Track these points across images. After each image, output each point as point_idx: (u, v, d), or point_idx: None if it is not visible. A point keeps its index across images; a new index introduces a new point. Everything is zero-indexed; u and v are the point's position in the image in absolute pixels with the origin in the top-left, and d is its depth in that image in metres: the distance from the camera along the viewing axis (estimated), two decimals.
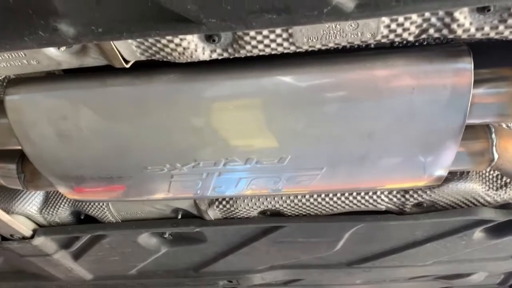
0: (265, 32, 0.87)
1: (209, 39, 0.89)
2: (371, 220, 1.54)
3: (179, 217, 1.63)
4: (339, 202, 1.49)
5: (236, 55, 0.93)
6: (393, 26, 0.86)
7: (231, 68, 1.00)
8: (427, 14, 0.84)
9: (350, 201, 1.49)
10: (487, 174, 1.42)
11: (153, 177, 1.21)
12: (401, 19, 0.84)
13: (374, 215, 1.55)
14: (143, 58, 0.94)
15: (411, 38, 0.89)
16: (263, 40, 0.89)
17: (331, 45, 0.90)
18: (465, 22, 0.84)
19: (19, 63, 0.95)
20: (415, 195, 1.45)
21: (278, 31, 0.87)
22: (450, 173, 1.27)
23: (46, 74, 1.11)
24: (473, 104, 1.00)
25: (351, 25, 0.85)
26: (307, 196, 1.49)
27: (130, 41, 0.89)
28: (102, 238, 1.77)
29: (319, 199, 1.50)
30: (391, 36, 0.88)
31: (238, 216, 1.59)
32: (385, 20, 0.84)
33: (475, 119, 1.07)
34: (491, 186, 1.44)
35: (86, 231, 1.72)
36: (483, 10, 0.82)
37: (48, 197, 1.66)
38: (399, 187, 1.37)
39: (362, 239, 1.69)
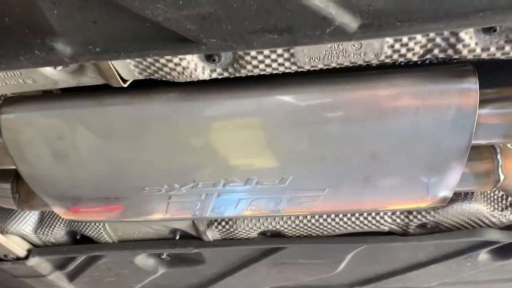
0: (266, 52, 0.85)
1: (209, 58, 0.88)
2: (374, 241, 1.51)
3: (177, 237, 1.60)
4: (341, 223, 1.46)
5: (237, 75, 0.92)
6: (397, 46, 0.84)
7: (231, 87, 0.99)
8: (432, 34, 0.83)
9: (353, 222, 1.46)
10: (492, 194, 1.40)
11: (150, 198, 1.18)
12: (405, 39, 0.83)
13: (377, 236, 1.51)
14: (141, 77, 0.93)
15: (415, 58, 0.87)
16: (264, 60, 0.87)
17: (333, 65, 0.89)
18: (471, 43, 0.83)
19: (15, 82, 0.94)
20: (419, 216, 1.42)
21: (280, 51, 0.85)
22: (454, 193, 1.24)
23: (43, 92, 1.09)
24: (479, 124, 0.98)
25: (354, 45, 0.84)
26: (308, 217, 1.46)
27: (128, 60, 0.87)
28: (98, 258, 1.73)
29: (321, 220, 1.46)
30: (395, 56, 0.86)
31: (238, 237, 1.56)
32: (389, 40, 0.83)
33: (480, 140, 1.05)
34: (496, 206, 1.41)
35: (82, 252, 1.68)
36: (489, 30, 0.81)
37: (43, 217, 1.63)
38: (403, 208, 1.34)
39: (364, 260, 1.65)
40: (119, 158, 1.07)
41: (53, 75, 0.92)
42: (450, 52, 0.85)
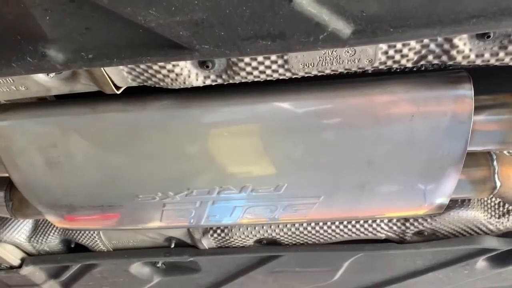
0: (260, 58, 0.85)
1: (202, 65, 0.87)
2: (371, 249, 1.50)
3: (172, 246, 1.58)
4: (337, 230, 1.45)
5: (231, 81, 0.91)
6: (391, 52, 0.84)
7: (226, 94, 0.98)
8: (425, 41, 0.82)
9: (349, 230, 1.45)
10: (489, 201, 1.39)
11: (144, 205, 1.17)
12: (399, 45, 0.83)
13: (374, 243, 1.50)
14: (134, 84, 0.92)
15: (409, 65, 0.87)
16: (258, 66, 0.87)
17: (327, 71, 0.88)
18: (465, 49, 0.83)
19: (7, 89, 0.93)
20: (416, 223, 1.41)
21: (273, 57, 0.85)
22: (451, 200, 1.23)
23: (37, 99, 1.09)
24: (474, 131, 0.98)
25: (348, 52, 0.83)
26: (304, 225, 1.45)
27: (121, 67, 0.87)
28: (93, 267, 1.71)
29: (317, 228, 1.45)
30: (389, 62, 0.86)
31: (233, 245, 1.55)
32: (383, 46, 0.83)
33: (476, 147, 1.05)
34: (493, 213, 1.40)
35: (76, 260, 1.67)
36: (483, 36, 0.81)
37: (37, 225, 1.61)
38: (399, 215, 1.33)
39: (361, 268, 1.64)
40: (113, 166, 1.06)
41: (45, 82, 0.91)
42: (444, 58, 0.85)
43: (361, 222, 1.42)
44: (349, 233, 1.45)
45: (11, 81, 0.91)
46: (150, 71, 0.87)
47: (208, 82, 0.91)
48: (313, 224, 1.44)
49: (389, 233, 1.46)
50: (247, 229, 1.47)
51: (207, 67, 0.87)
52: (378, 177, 1.07)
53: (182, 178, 1.09)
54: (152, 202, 1.16)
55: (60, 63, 0.75)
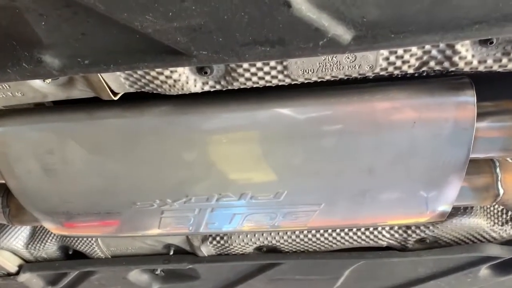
0: (259, 64, 0.84)
1: (200, 71, 0.86)
2: (372, 257, 1.48)
3: (171, 253, 1.57)
4: (338, 238, 1.43)
5: (229, 88, 0.90)
6: (392, 58, 0.83)
7: (225, 100, 0.97)
8: (427, 47, 0.81)
9: (350, 237, 1.43)
10: (492, 209, 1.37)
11: (142, 213, 1.15)
12: (400, 51, 0.81)
13: (375, 251, 1.48)
14: (132, 90, 0.91)
15: (411, 71, 0.86)
16: (257, 72, 0.85)
17: (327, 78, 0.87)
18: (467, 55, 0.81)
19: (3, 95, 0.92)
20: (418, 231, 1.39)
21: (273, 63, 0.84)
22: (453, 208, 1.22)
23: (34, 105, 1.08)
24: (477, 138, 0.97)
25: (348, 58, 0.82)
26: (305, 232, 1.43)
27: (118, 73, 0.86)
28: (91, 274, 1.69)
29: (318, 235, 1.44)
30: (390, 68, 0.85)
31: (233, 253, 1.53)
32: (384, 52, 0.81)
33: (479, 154, 1.03)
34: (496, 221, 1.38)
35: (74, 267, 1.65)
36: (485, 42, 0.79)
37: (34, 231, 1.60)
38: (401, 223, 1.31)
39: (363, 276, 1.62)
40: (110, 173, 1.05)
41: (42, 88, 0.90)
42: (446, 64, 0.83)
43: (362, 229, 1.40)
44: (350, 240, 1.44)
45: (7, 87, 0.90)
46: (147, 77, 0.86)
47: (206, 88, 0.90)
48: (313, 232, 1.42)
49: (390, 241, 1.44)
50: (246, 236, 1.45)
51: (205, 73, 0.86)
52: (379, 184, 1.05)
53: (181, 185, 1.08)
54: (150, 209, 1.14)
55: (56, 69, 0.74)
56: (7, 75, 0.76)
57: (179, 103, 0.97)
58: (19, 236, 1.59)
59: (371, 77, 0.93)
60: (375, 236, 1.42)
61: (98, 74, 0.85)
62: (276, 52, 0.70)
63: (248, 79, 0.87)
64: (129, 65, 0.74)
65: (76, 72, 0.76)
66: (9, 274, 1.66)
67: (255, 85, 0.89)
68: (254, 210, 1.15)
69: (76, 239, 1.54)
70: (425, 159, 0.99)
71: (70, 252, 1.65)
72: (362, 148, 0.98)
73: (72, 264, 1.64)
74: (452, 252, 1.44)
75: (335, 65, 0.84)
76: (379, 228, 1.39)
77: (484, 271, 1.61)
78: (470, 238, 1.42)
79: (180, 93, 0.90)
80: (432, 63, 0.84)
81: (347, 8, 0.64)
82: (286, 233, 1.43)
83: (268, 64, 0.84)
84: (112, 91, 0.90)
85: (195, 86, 0.89)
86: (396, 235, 1.42)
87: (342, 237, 1.43)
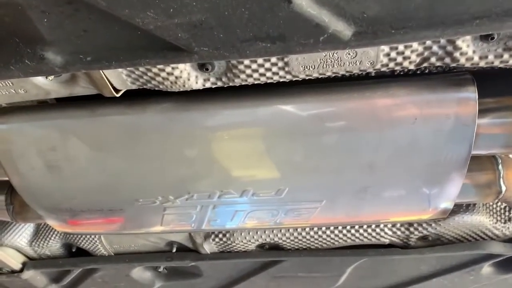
0: (260, 60, 0.84)
1: (202, 67, 0.86)
2: (374, 254, 1.48)
3: (174, 250, 1.57)
4: (340, 235, 1.43)
5: (231, 84, 0.90)
6: (393, 54, 0.83)
7: (226, 97, 0.97)
8: (428, 42, 0.81)
9: (352, 235, 1.43)
10: (494, 206, 1.37)
11: (145, 210, 1.16)
12: (401, 47, 0.81)
13: (377, 249, 1.48)
14: (134, 87, 0.91)
15: (412, 67, 0.86)
16: (258, 69, 0.86)
17: (328, 74, 0.87)
18: (468, 51, 0.81)
19: (7, 92, 0.92)
20: (420, 228, 1.39)
21: (274, 59, 0.84)
22: (456, 205, 1.22)
23: (37, 102, 1.08)
24: (479, 134, 0.97)
25: (349, 54, 0.82)
26: (307, 229, 1.43)
27: (120, 70, 0.86)
28: (94, 272, 1.70)
29: (320, 232, 1.44)
30: (391, 64, 0.85)
31: (235, 250, 1.53)
32: (385, 48, 0.81)
33: (481, 150, 1.03)
34: (499, 218, 1.38)
35: (78, 265, 1.66)
36: (486, 38, 0.79)
37: (38, 229, 1.61)
38: (402, 220, 1.31)
39: (365, 273, 1.62)
40: (112, 169, 1.06)
41: (44, 85, 0.90)
42: (447, 60, 0.83)
43: (364, 226, 1.40)
44: (353, 238, 1.44)
45: (10, 84, 0.90)
46: (149, 73, 0.86)
47: (208, 85, 0.90)
48: (315, 229, 1.42)
49: (393, 238, 1.44)
50: (249, 233, 1.45)
51: (207, 69, 0.86)
52: (380, 181, 1.05)
53: (182, 182, 1.08)
54: (152, 206, 1.15)
55: (59, 66, 0.75)
56: (10, 72, 0.76)
57: (181, 100, 0.97)
58: (23, 234, 1.60)
59: (373, 74, 0.93)
60: (377, 233, 1.42)
61: (100, 71, 0.85)
62: (277, 48, 0.70)
63: (249, 76, 0.87)
64: (130, 61, 0.74)
65: (78, 68, 0.76)
66: (13, 271, 1.67)
67: (256, 82, 0.89)
68: (256, 207, 1.16)
69: (79, 236, 1.55)
70: (426, 155, 0.98)
71: (74, 250, 1.66)
72: (363, 145, 0.98)
73: (75, 262, 1.65)
74: (455, 250, 1.44)
75: (336, 61, 0.84)
76: (381, 226, 1.39)
77: (486, 268, 1.61)
78: (472, 235, 1.42)
79: (181, 90, 0.91)
80: (433, 59, 0.84)
81: (347, 4, 0.64)
82: (288, 230, 1.44)
83: (269, 60, 0.84)
84: (114, 88, 0.90)
85: (196, 82, 0.89)
86: (398, 233, 1.41)
87: (344, 235, 1.43)
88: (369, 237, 1.43)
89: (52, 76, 0.89)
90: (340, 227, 1.42)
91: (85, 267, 1.66)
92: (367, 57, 0.83)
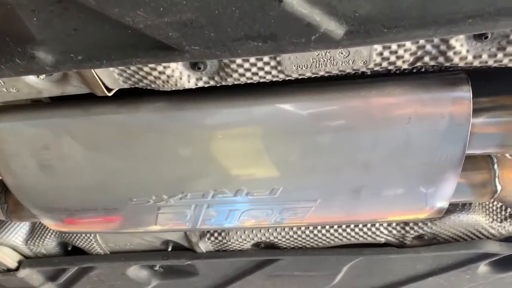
0: (252, 59, 0.83)
1: (194, 66, 0.86)
2: (370, 253, 1.48)
3: (170, 249, 1.57)
4: (336, 234, 1.43)
5: (223, 83, 0.90)
6: (386, 53, 0.82)
7: (220, 96, 0.97)
8: (421, 42, 0.81)
9: (348, 233, 1.43)
10: (490, 205, 1.37)
11: (139, 209, 1.16)
12: (394, 46, 0.81)
13: (373, 248, 1.48)
14: (126, 86, 0.91)
15: (405, 66, 0.85)
16: (250, 68, 0.85)
17: (321, 73, 0.87)
18: (462, 50, 0.81)
19: None
20: (416, 227, 1.39)
21: (266, 59, 0.83)
22: (451, 204, 1.21)
23: (30, 101, 1.08)
24: (473, 134, 0.96)
25: (341, 53, 0.82)
26: (303, 228, 1.43)
27: (111, 69, 0.86)
28: (90, 270, 1.70)
29: (316, 231, 1.43)
30: (385, 64, 0.84)
31: (231, 249, 1.53)
32: (378, 47, 0.81)
33: (475, 150, 1.02)
34: (495, 218, 1.38)
35: (74, 263, 1.66)
36: (480, 37, 0.79)
37: (34, 227, 1.61)
38: (397, 219, 1.31)
39: (361, 272, 1.62)
40: (106, 169, 1.05)
41: (36, 84, 0.90)
42: (441, 59, 0.83)
43: (360, 226, 1.39)
44: (348, 237, 1.43)
45: (2, 83, 0.90)
46: (141, 72, 0.86)
47: (200, 84, 0.90)
48: (311, 228, 1.42)
49: (388, 237, 1.43)
50: (244, 232, 1.45)
51: (199, 68, 0.86)
52: (374, 180, 1.05)
53: (176, 182, 1.08)
54: (146, 206, 1.14)
55: (49, 65, 0.74)
56: (0, 71, 0.76)
57: (174, 99, 0.97)
58: (18, 232, 1.60)
59: (368, 73, 0.93)
60: (373, 232, 1.41)
61: (92, 70, 0.85)
62: (268, 48, 0.69)
63: (242, 75, 0.87)
64: (121, 60, 0.73)
65: (69, 68, 0.76)
66: (9, 270, 1.67)
67: (249, 81, 0.89)
68: (250, 206, 1.16)
69: (74, 235, 1.55)
70: (421, 155, 0.98)
71: (69, 248, 1.66)
72: (357, 144, 0.98)
73: (71, 260, 1.66)
74: (451, 249, 1.44)
75: (328, 61, 0.83)
76: (377, 225, 1.39)
77: (483, 267, 1.61)
78: (468, 234, 1.42)
79: (174, 89, 0.90)
80: (426, 58, 0.83)
81: (339, 3, 0.64)
82: (284, 229, 1.43)
83: (261, 59, 0.84)
84: (106, 87, 0.90)
85: (188, 82, 0.89)
86: (394, 232, 1.41)
87: (340, 233, 1.43)
88: (365, 236, 1.43)
89: (44, 75, 0.88)
90: (335, 226, 1.41)
91: (81, 265, 1.66)
92: (360, 56, 0.82)
